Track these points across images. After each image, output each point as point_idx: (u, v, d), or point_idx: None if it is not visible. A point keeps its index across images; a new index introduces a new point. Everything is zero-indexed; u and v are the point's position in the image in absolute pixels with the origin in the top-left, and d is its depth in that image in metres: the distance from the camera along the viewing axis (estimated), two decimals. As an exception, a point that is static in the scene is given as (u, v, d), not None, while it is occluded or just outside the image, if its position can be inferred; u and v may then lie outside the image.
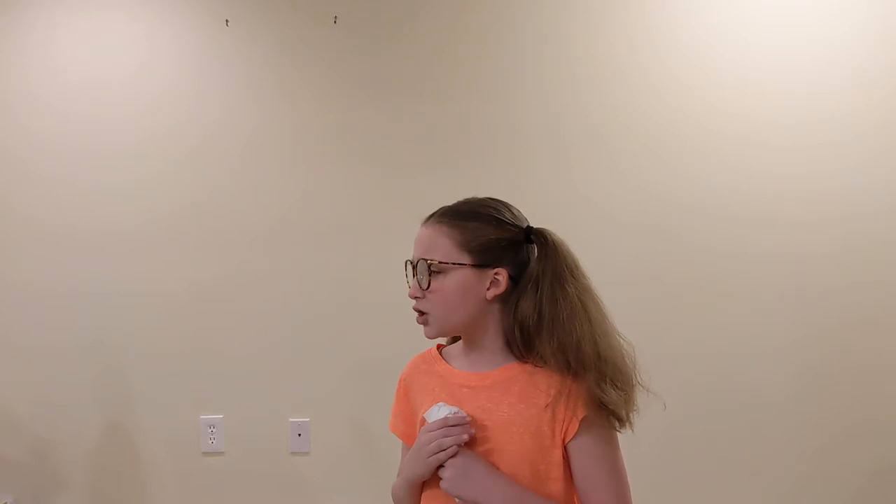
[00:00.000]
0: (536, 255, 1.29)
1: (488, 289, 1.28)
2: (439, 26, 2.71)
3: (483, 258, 1.28)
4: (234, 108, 2.71)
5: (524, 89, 2.69)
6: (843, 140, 2.65)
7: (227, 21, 2.69)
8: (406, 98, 2.70)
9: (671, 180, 2.68)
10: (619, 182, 2.68)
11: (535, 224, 1.34)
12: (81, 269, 2.71)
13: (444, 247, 1.29)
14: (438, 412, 1.27)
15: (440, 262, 1.28)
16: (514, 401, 1.27)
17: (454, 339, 1.41)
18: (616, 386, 1.23)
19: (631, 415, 1.25)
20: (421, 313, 1.32)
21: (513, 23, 2.68)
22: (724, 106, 2.66)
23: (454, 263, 1.28)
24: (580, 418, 1.23)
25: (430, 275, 1.29)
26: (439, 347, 1.42)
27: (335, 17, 2.68)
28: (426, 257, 1.29)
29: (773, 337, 2.69)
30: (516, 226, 1.30)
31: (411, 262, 1.32)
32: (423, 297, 1.30)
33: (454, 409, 1.27)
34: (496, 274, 1.28)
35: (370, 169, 2.71)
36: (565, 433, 1.24)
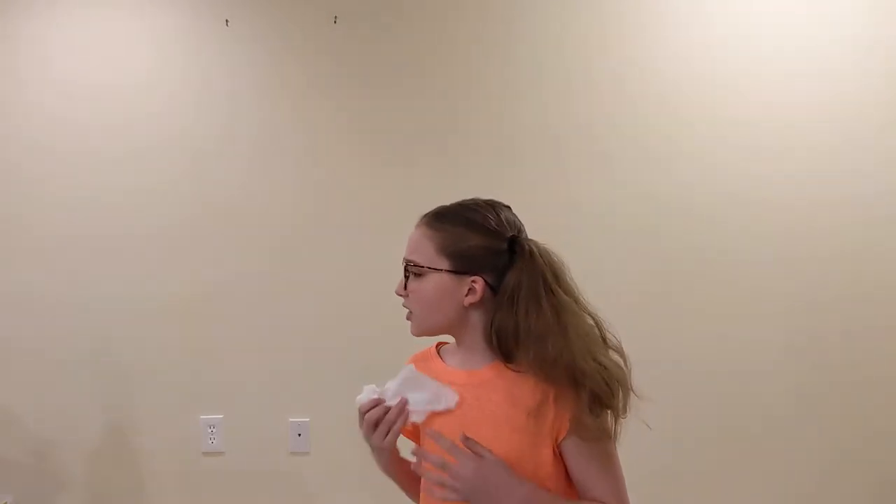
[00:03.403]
0: (514, 267, 1.28)
1: (466, 295, 1.29)
2: (439, 26, 2.70)
3: (461, 265, 1.28)
4: (224, 109, 2.72)
5: (521, 90, 2.68)
6: (844, 147, 2.64)
7: (227, 21, 2.69)
8: (406, 97, 2.69)
9: (667, 186, 2.67)
10: (615, 187, 2.67)
11: (530, 227, 1.34)
12: (82, 272, 2.71)
13: (425, 251, 1.30)
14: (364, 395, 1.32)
15: (417, 266, 1.31)
16: (501, 399, 1.28)
17: None
18: (596, 402, 1.22)
19: (616, 428, 1.25)
20: (409, 311, 1.35)
21: (511, 23, 2.68)
22: (723, 111, 2.66)
23: (430, 268, 1.29)
24: (569, 417, 1.24)
25: (407, 277, 1.32)
26: (438, 345, 1.43)
27: (335, 16, 2.68)
28: (409, 259, 1.32)
29: (775, 344, 2.68)
30: (499, 235, 1.29)
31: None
32: (406, 296, 1.34)
33: (371, 389, 1.32)
34: (473, 282, 1.28)
35: (370, 169, 2.71)
36: (557, 433, 1.25)
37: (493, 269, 1.28)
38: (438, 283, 1.29)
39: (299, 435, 2.73)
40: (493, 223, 1.30)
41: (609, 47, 2.68)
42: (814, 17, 2.64)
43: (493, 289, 1.28)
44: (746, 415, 2.69)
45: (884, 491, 2.68)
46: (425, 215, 1.35)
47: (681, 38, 2.67)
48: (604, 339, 1.28)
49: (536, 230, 1.35)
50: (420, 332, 1.35)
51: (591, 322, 1.28)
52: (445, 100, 2.70)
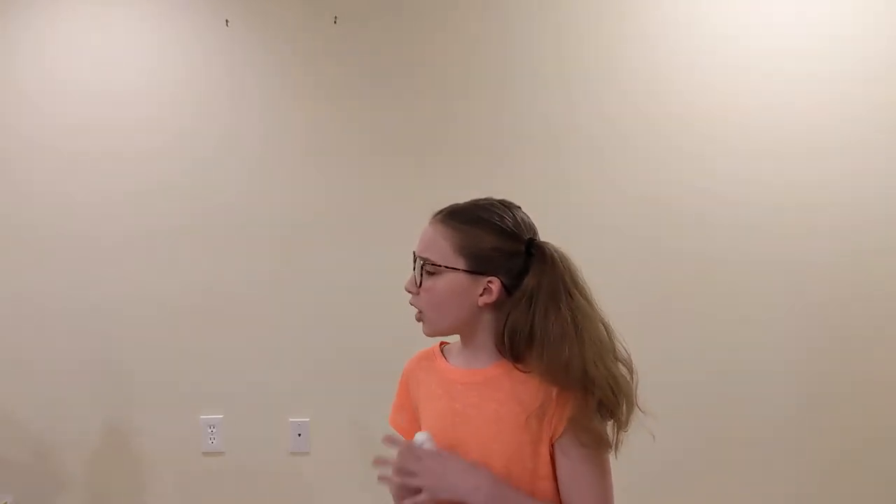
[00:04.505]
0: (532, 269, 1.28)
1: (481, 295, 1.29)
2: (439, 27, 2.70)
3: (477, 265, 1.28)
4: (223, 109, 2.72)
5: (521, 89, 2.68)
6: (846, 148, 2.64)
7: (226, 21, 2.69)
8: (406, 97, 2.69)
9: (667, 187, 2.67)
10: (614, 188, 2.67)
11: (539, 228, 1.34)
12: (83, 272, 2.71)
13: (441, 249, 1.29)
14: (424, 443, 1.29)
15: (433, 264, 1.30)
16: (503, 398, 1.28)
17: None
18: (601, 410, 1.23)
19: (618, 438, 1.26)
20: (419, 311, 1.34)
21: (510, 24, 2.68)
22: (723, 111, 2.65)
23: (447, 267, 1.29)
24: (568, 417, 1.24)
25: (422, 274, 1.31)
26: (441, 345, 1.43)
27: (335, 17, 2.68)
28: (423, 256, 1.31)
29: (777, 347, 2.67)
30: (517, 236, 1.30)
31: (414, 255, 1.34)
32: (417, 293, 1.33)
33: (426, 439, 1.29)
34: (489, 282, 1.28)
35: (370, 169, 2.71)
36: (553, 431, 1.25)
37: (508, 271, 1.28)
38: (453, 282, 1.29)
39: (299, 435, 2.74)
40: (510, 224, 1.30)
41: (608, 48, 2.67)
42: (814, 17, 2.64)
43: (507, 290, 1.28)
44: (745, 417, 2.69)
45: (888, 492, 2.68)
46: (439, 212, 1.34)
47: (681, 40, 2.67)
48: (613, 349, 1.28)
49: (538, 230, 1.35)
50: (434, 332, 1.35)
51: (604, 329, 1.28)
52: (445, 100, 2.70)
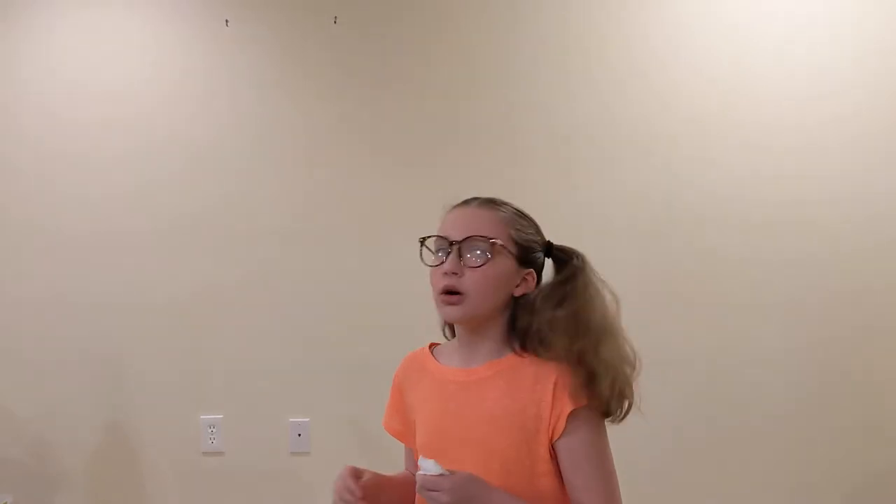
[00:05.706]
0: (565, 267, 1.30)
1: (517, 286, 1.29)
2: (439, 26, 2.70)
3: (524, 255, 1.29)
4: (223, 110, 2.71)
5: (522, 89, 2.68)
6: (848, 144, 2.63)
7: (227, 21, 2.69)
8: (406, 98, 2.69)
9: (671, 185, 2.66)
10: (622, 188, 2.67)
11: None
12: (82, 272, 2.71)
13: (502, 233, 1.28)
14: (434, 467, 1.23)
15: (501, 245, 1.26)
16: (499, 395, 1.27)
17: (453, 333, 1.39)
18: (600, 404, 1.24)
19: (623, 409, 1.27)
20: (454, 293, 1.25)
21: (512, 24, 2.68)
22: (726, 108, 2.65)
23: (510, 251, 1.27)
24: (567, 415, 1.23)
25: (487, 253, 1.25)
26: (431, 346, 1.42)
27: (335, 17, 2.68)
28: (483, 235, 1.25)
29: (777, 343, 2.67)
30: (542, 235, 1.33)
31: (453, 241, 1.26)
32: (462, 275, 1.25)
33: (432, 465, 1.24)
34: (527, 274, 1.29)
35: (370, 170, 2.70)
36: (553, 431, 1.25)
37: (539, 267, 1.31)
38: (505, 267, 1.27)
39: (299, 435, 2.73)
40: (535, 223, 1.33)
41: (613, 48, 2.67)
42: (819, 17, 2.64)
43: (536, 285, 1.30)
44: (745, 414, 2.68)
45: (888, 490, 2.68)
46: (476, 198, 1.32)
47: (685, 38, 2.66)
48: (623, 345, 1.29)
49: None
50: (471, 315, 1.27)
51: (618, 327, 1.29)
52: (446, 100, 2.70)
